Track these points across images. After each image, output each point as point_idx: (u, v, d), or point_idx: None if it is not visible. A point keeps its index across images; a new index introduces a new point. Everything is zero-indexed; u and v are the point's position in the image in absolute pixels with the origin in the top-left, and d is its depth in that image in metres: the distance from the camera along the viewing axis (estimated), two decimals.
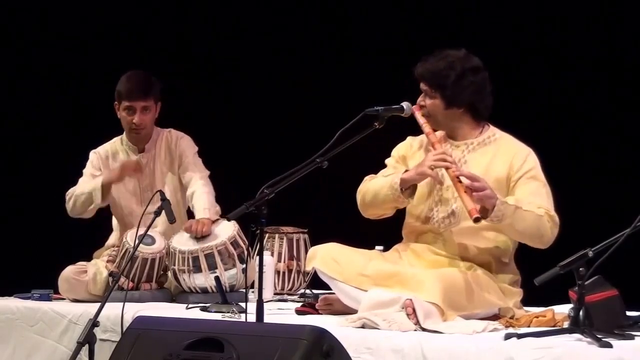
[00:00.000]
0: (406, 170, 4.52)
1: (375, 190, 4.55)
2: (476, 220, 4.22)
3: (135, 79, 5.54)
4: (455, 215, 4.50)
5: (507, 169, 4.50)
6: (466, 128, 4.59)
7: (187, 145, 5.64)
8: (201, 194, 5.49)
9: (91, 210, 5.52)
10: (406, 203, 4.54)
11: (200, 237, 5.33)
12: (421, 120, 4.56)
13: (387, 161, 4.72)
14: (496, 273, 4.51)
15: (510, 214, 4.28)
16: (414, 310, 4.11)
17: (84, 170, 5.65)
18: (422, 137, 4.67)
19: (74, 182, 5.67)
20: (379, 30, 6.58)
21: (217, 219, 5.41)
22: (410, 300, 4.14)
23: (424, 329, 4.08)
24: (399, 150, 4.72)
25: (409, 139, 4.73)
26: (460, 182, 4.30)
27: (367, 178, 4.65)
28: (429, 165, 4.42)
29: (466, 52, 4.55)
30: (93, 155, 5.67)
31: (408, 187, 4.50)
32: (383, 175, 4.63)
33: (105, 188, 5.47)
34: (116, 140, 5.70)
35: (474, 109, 4.56)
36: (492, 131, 4.61)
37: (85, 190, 5.50)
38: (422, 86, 4.55)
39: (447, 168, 4.38)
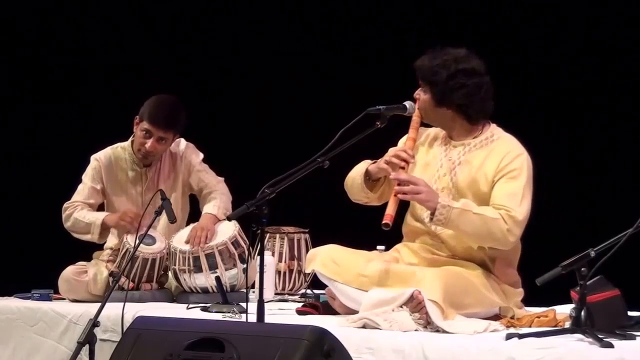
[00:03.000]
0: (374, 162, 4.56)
1: (353, 176, 4.62)
2: (385, 226, 4.26)
3: (165, 108, 5.43)
4: None
5: (494, 169, 4.45)
6: (460, 129, 4.56)
7: (192, 154, 5.59)
8: (218, 194, 5.49)
9: (89, 239, 5.50)
10: (371, 195, 4.58)
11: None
12: (415, 113, 4.57)
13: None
14: (496, 274, 4.50)
15: (455, 218, 4.29)
16: (423, 300, 4.11)
17: (84, 177, 5.57)
18: (430, 130, 4.66)
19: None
20: (381, 29, 6.58)
21: (222, 220, 5.41)
22: (419, 291, 4.14)
23: (425, 327, 4.08)
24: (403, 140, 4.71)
25: (421, 129, 4.68)
26: (396, 184, 4.36)
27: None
28: (384, 160, 4.45)
29: (467, 53, 4.51)
30: (94, 162, 5.56)
31: (377, 179, 4.53)
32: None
33: (104, 226, 5.45)
34: (119, 146, 5.60)
35: (464, 112, 4.51)
36: (492, 131, 4.56)
37: (84, 219, 5.46)
38: (419, 80, 4.56)
39: (401, 167, 4.41)
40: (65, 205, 5.53)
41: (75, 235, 5.54)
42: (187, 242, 5.31)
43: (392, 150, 4.50)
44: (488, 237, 4.35)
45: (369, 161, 4.62)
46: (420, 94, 4.55)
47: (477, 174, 4.45)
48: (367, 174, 4.54)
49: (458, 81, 4.45)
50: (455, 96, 4.46)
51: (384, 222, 4.26)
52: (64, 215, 5.53)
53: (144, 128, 5.41)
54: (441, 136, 4.63)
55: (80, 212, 5.48)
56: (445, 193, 4.47)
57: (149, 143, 5.41)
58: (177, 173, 5.59)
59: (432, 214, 4.32)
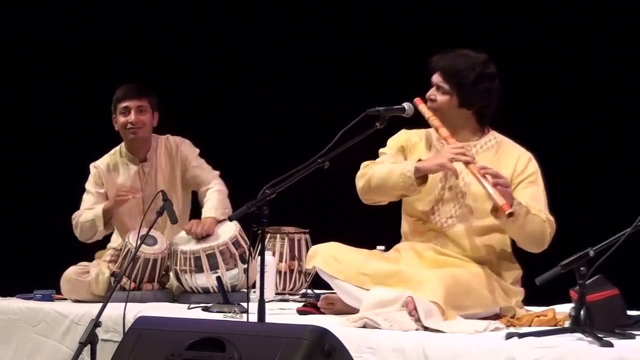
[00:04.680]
0: (419, 160, 4.51)
1: (383, 175, 4.50)
2: (510, 215, 4.22)
3: (129, 84, 5.61)
4: (458, 215, 4.51)
5: (511, 174, 4.49)
6: (468, 131, 4.59)
7: (188, 149, 5.65)
8: (212, 192, 5.53)
9: (98, 235, 5.56)
10: (416, 192, 4.48)
11: (201, 238, 5.34)
12: (428, 113, 4.55)
13: (383, 150, 4.67)
14: (498, 272, 4.52)
15: (523, 215, 4.31)
16: (414, 308, 4.12)
17: (87, 186, 5.65)
18: (421, 131, 4.67)
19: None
20: (380, 30, 6.59)
21: (223, 220, 5.42)
22: (411, 297, 4.14)
23: (425, 328, 4.08)
24: (395, 140, 4.69)
25: (404, 131, 4.70)
26: (484, 177, 4.29)
27: (367, 163, 4.61)
28: (449, 158, 4.40)
29: (487, 57, 4.56)
30: (94, 169, 5.65)
31: (419, 177, 4.48)
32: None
33: (106, 214, 5.49)
34: (115, 151, 5.69)
35: (481, 114, 4.57)
36: (493, 134, 4.61)
37: (88, 217, 5.53)
38: (438, 80, 4.55)
39: (467, 163, 4.37)
40: (73, 215, 5.60)
41: (89, 240, 5.61)
42: (185, 231, 5.37)
43: (451, 149, 4.41)
44: (539, 239, 4.41)
45: (372, 161, 4.60)
46: (437, 95, 4.56)
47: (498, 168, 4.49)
48: (418, 171, 4.42)
49: (484, 85, 4.50)
50: (479, 99, 4.51)
51: (508, 212, 4.21)
52: (73, 225, 5.60)
53: (121, 109, 5.54)
54: (435, 136, 4.64)
55: (82, 216, 5.54)
56: (452, 192, 4.50)
57: (131, 116, 5.51)
58: (173, 168, 5.64)
59: (494, 209, 4.30)
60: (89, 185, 5.64)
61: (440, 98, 4.55)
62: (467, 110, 4.55)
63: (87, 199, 5.63)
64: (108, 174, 5.63)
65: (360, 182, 4.58)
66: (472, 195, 4.50)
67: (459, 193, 4.51)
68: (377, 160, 4.64)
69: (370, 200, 4.63)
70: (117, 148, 5.68)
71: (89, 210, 5.55)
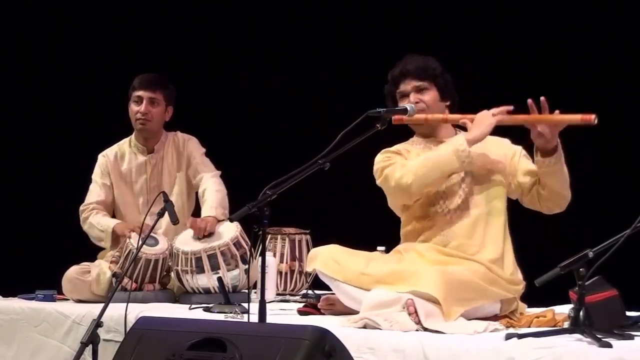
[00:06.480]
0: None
1: (430, 163, 4.48)
2: (595, 119, 4.30)
3: (148, 74, 5.67)
4: (464, 204, 4.55)
5: (503, 157, 4.61)
6: (446, 128, 4.67)
7: (194, 146, 5.70)
8: (211, 192, 5.54)
9: (102, 246, 5.62)
10: (470, 166, 4.48)
11: (203, 236, 5.36)
12: (422, 115, 4.58)
13: (388, 162, 4.62)
14: (500, 262, 4.52)
15: (561, 153, 4.42)
16: (415, 309, 4.13)
17: (93, 176, 5.70)
18: (404, 145, 4.70)
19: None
20: (380, 32, 6.60)
21: (223, 220, 5.44)
22: (412, 300, 4.16)
23: (425, 329, 4.09)
24: (389, 153, 4.67)
25: (386, 149, 4.70)
26: (537, 113, 4.37)
27: (395, 168, 4.57)
28: (492, 115, 4.44)
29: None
30: (102, 159, 5.72)
31: None
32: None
33: (115, 235, 5.53)
34: (125, 141, 5.75)
35: (452, 108, 4.67)
36: (462, 132, 4.65)
37: (98, 226, 5.59)
38: (414, 83, 4.63)
39: (509, 112, 4.44)
40: (81, 208, 5.66)
41: (92, 240, 5.65)
42: (190, 227, 5.39)
43: (484, 113, 4.47)
44: (568, 184, 4.49)
45: (402, 163, 4.58)
46: (420, 97, 4.61)
47: (491, 154, 4.59)
48: (470, 143, 4.44)
49: (448, 76, 4.66)
50: (450, 89, 4.67)
51: (594, 116, 4.32)
52: (81, 218, 5.67)
53: (134, 97, 5.60)
54: (418, 141, 4.71)
55: (95, 217, 5.61)
56: (459, 180, 4.55)
57: (142, 107, 5.56)
58: (180, 164, 5.68)
59: (548, 150, 4.39)
60: (96, 175, 5.71)
61: (426, 97, 4.63)
62: (445, 103, 4.66)
63: (93, 190, 5.68)
64: (115, 162, 5.70)
65: (405, 179, 4.49)
66: (476, 180, 4.57)
67: (461, 183, 4.55)
68: (392, 167, 4.60)
69: (419, 195, 4.55)
70: (127, 138, 5.74)
71: (102, 217, 5.61)
